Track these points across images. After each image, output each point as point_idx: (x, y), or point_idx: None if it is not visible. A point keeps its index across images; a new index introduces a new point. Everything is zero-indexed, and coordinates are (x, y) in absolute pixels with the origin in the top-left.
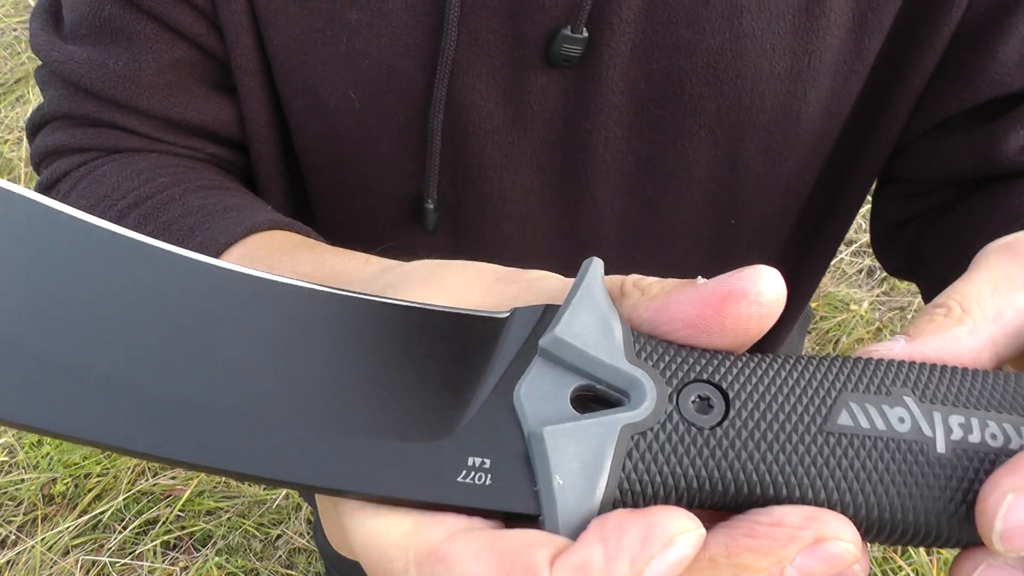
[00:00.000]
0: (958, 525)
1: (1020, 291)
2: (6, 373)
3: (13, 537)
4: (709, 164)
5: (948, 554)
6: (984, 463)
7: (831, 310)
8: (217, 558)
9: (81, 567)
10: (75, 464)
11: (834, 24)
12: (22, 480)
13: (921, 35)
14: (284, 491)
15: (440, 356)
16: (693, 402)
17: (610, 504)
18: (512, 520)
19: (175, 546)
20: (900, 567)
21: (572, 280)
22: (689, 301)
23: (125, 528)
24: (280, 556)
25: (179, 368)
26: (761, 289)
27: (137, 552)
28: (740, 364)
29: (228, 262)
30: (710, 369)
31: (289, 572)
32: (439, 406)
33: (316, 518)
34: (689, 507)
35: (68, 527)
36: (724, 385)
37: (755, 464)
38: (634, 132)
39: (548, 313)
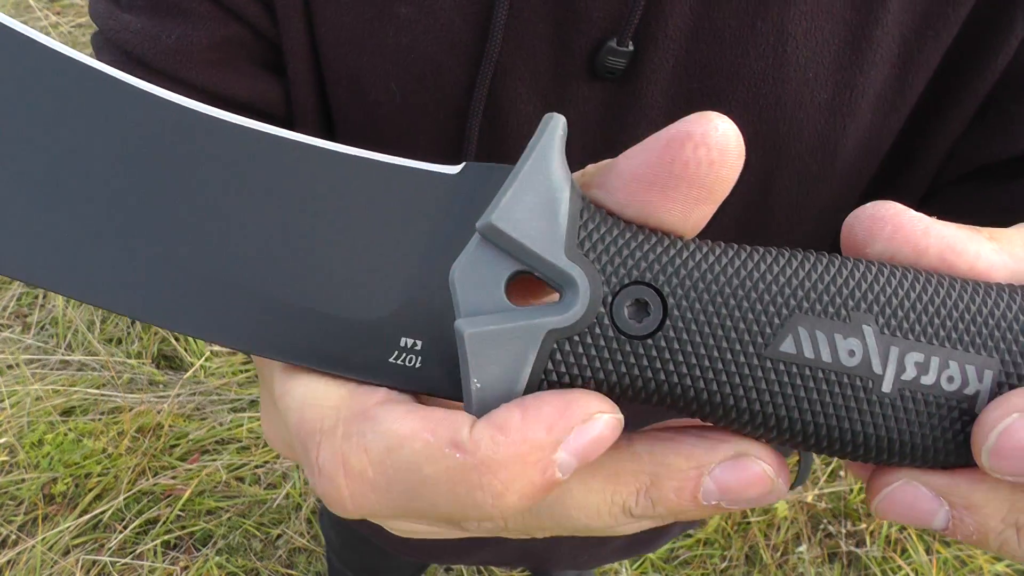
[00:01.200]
0: (888, 455)
1: None
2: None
3: (14, 537)
4: (742, 188)
5: (948, 553)
6: (931, 407)
7: None
8: (217, 558)
9: (81, 567)
10: (75, 464)
11: (879, 60)
12: (23, 480)
13: (966, 79)
14: (284, 491)
15: (384, 217)
16: (629, 307)
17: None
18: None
19: (175, 546)
20: (899, 567)
21: None
22: (637, 156)
23: (125, 528)
24: (280, 556)
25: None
26: (707, 130)
27: (137, 552)
28: (689, 267)
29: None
30: (654, 269)
31: (289, 572)
32: (379, 276)
33: (322, 507)
34: (611, 395)
35: (68, 527)
36: (665, 290)
37: (683, 381)
38: None
39: (498, 176)
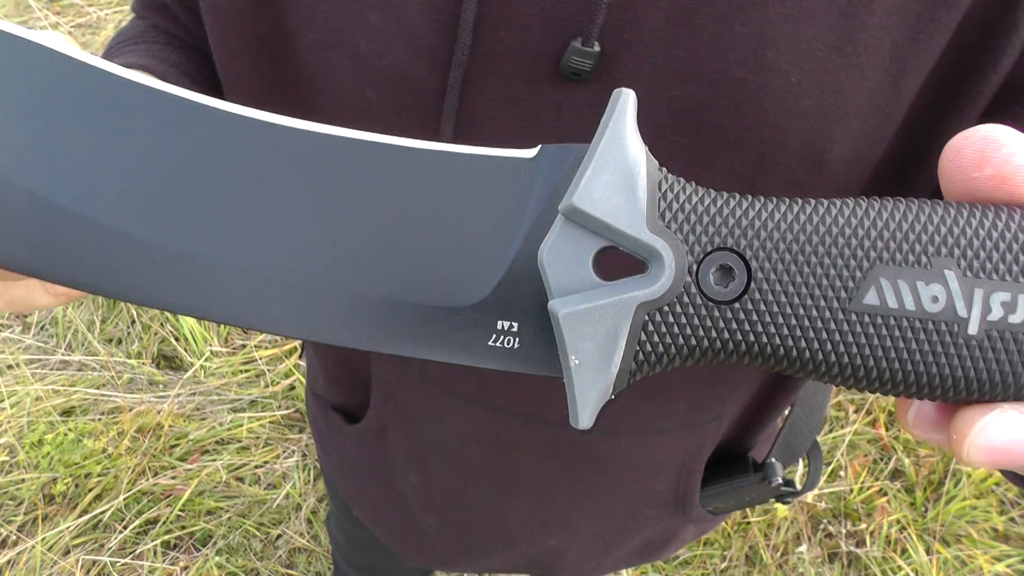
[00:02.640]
0: (978, 394)
1: None
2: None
3: (14, 537)
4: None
5: (948, 554)
6: (1020, 344)
7: None
8: (217, 558)
9: (81, 567)
10: (75, 464)
11: (868, 65)
12: (22, 480)
13: (968, 83)
14: (284, 491)
15: (467, 207)
16: (714, 273)
17: (625, 376)
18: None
19: (175, 546)
20: (899, 567)
21: None
22: None
23: (125, 528)
24: (280, 556)
25: (204, 225)
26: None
27: (137, 552)
28: (768, 228)
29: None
30: (735, 234)
31: (289, 572)
32: (469, 264)
33: (331, 510)
34: (705, 360)
35: (68, 527)
36: (748, 255)
37: (772, 340)
38: (651, 155)
39: (575, 155)
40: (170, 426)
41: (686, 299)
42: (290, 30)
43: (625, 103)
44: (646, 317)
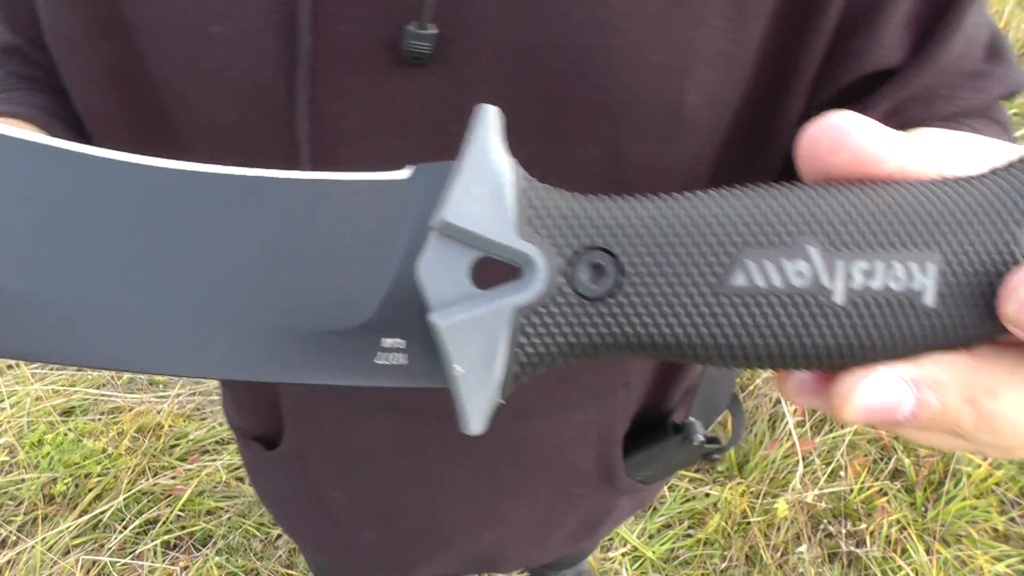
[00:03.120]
0: (849, 359)
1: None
2: None
3: (13, 537)
4: (591, 160)
5: (948, 554)
6: (882, 307)
7: None
8: (217, 558)
9: (81, 567)
10: (75, 464)
11: (707, 14)
12: (22, 480)
13: (808, 21)
14: None
15: (344, 232)
16: (585, 272)
17: (511, 379)
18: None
19: (175, 546)
20: (899, 567)
21: None
22: None
23: (125, 528)
24: (280, 556)
25: (68, 270)
26: None
27: (137, 552)
28: (635, 224)
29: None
30: (603, 232)
31: (289, 572)
32: (350, 288)
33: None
34: (587, 357)
35: (68, 527)
36: (617, 251)
37: (648, 330)
38: (508, 132)
39: (446, 172)
40: (170, 426)
41: (560, 299)
42: (138, 54)
43: (486, 117)
44: (524, 320)
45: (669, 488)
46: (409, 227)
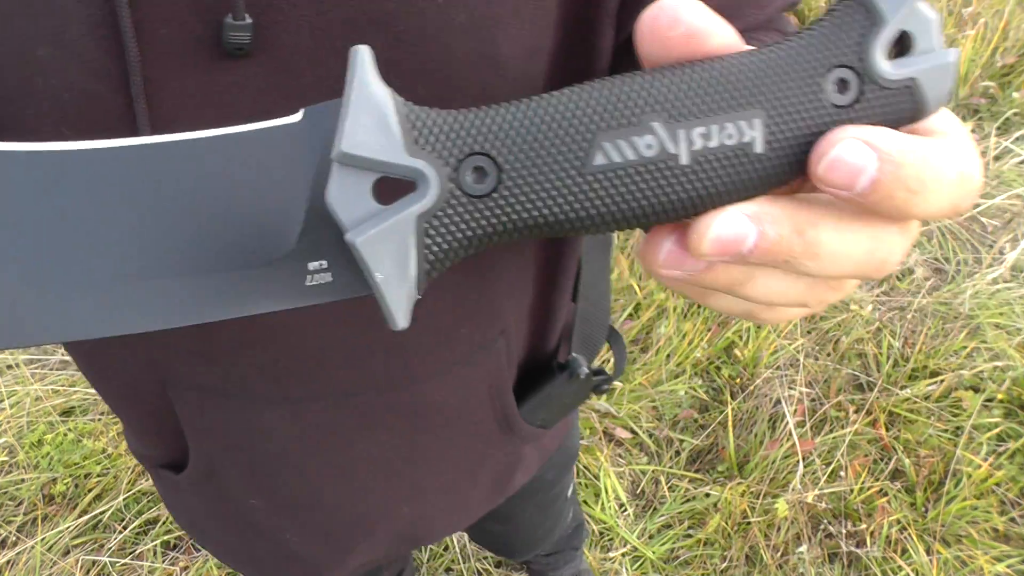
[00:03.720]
0: (700, 207)
1: None
2: None
3: (13, 537)
4: None
5: (948, 554)
6: (721, 160)
7: (831, 310)
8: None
9: (81, 567)
10: (75, 464)
11: None
12: (22, 480)
13: None
14: None
15: (253, 176)
16: (470, 175)
17: (424, 276)
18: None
19: (175, 546)
20: (900, 567)
21: None
22: None
23: (125, 528)
24: None
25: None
26: None
27: (137, 552)
28: (506, 128)
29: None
30: (480, 139)
31: None
32: (271, 226)
33: None
34: (485, 247)
35: (68, 527)
36: (494, 153)
37: (531, 215)
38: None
39: (335, 110)
40: None
41: (453, 201)
42: None
43: (361, 57)
44: (426, 225)
45: (669, 488)
46: (311, 163)
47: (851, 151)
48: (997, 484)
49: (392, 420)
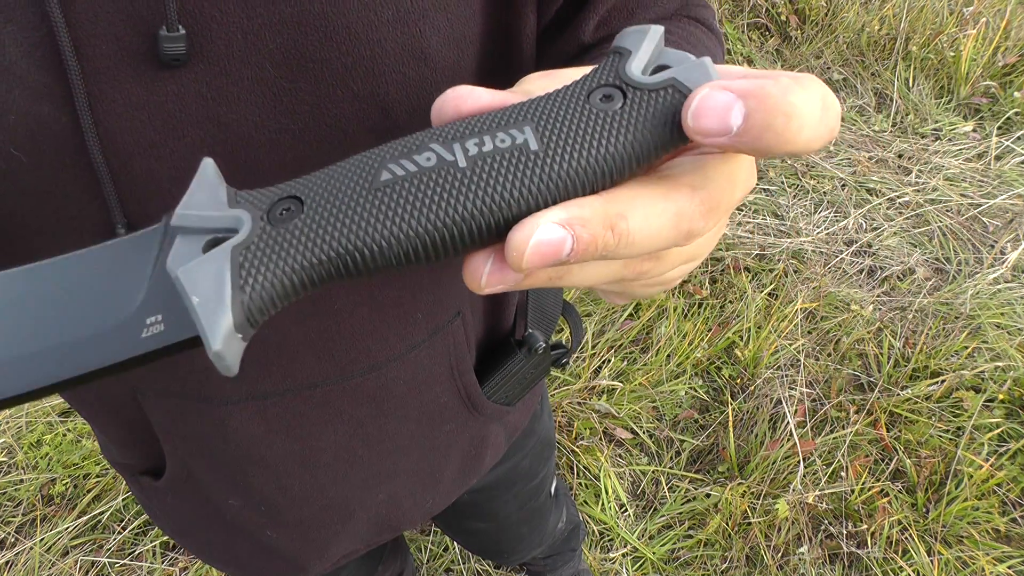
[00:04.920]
0: (487, 218)
1: (534, 84)
2: None
3: (12, 538)
4: (359, 117)
5: (950, 555)
6: (500, 161)
7: (832, 310)
8: None
9: (80, 568)
10: (74, 464)
11: None
12: (21, 480)
13: None
14: None
15: (118, 274)
16: (280, 214)
17: (239, 303)
18: (189, 346)
19: (174, 546)
20: (901, 568)
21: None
22: None
23: (124, 528)
24: None
25: None
26: None
27: (136, 552)
28: (314, 177)
29: None
30: (288, 189)
31: None
32: (120, 305)
33: None
34: (300, 285)
35: (67, 527)
36: (300, 195)
37: (330, 235)
38: (279, 110)
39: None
40: None
41: (264, 235)
42: None
43: (205, 163)
44: (240, 257)
45: (670, 489)
46: (164, 251)
47: (712, 95)
48: (998, 485)
49: (354, 408)
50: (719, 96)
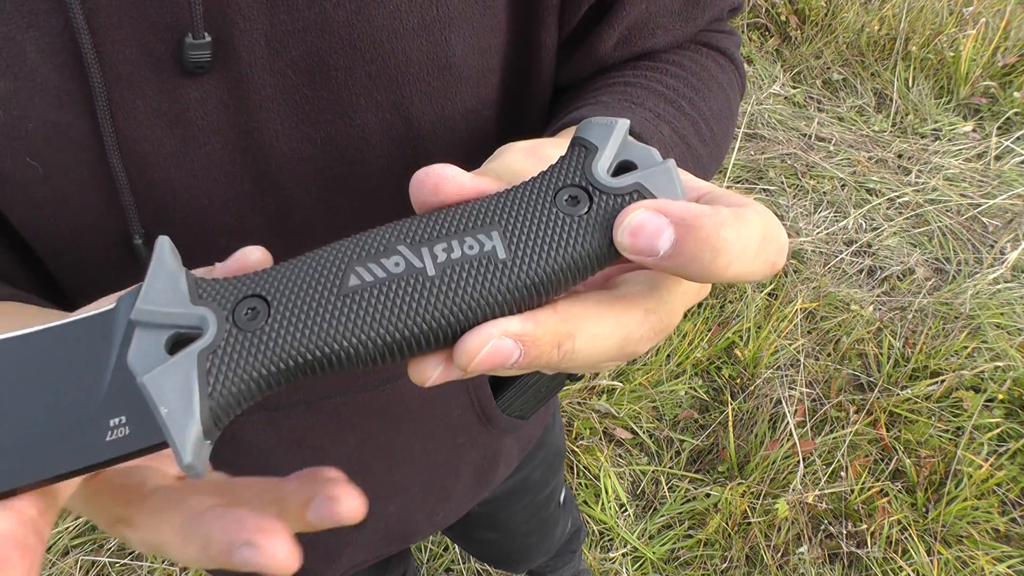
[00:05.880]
0: (451, 325)
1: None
2: None
3: None
4: (382, 127)
5: (949, 554)
6: (468, 269)
7: (831, 310)
8: None
9: (80, 567)
10: None
11: None
12: None
13: None
14: None
15: (72, 361)
16: (245, 314)
17: (209, 416)
18: (155, 450)
19: None
20: (900, 568)
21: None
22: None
23: None
24: None
25: None
26: None
27: (136, 552)
28: (279, 273)
29: None
30: (253, 286)
31: None
32: (79, 399)
33: None
34: (267, 387)
35: (67, 527)
36: (265, 294)
37: (298, 341)
38: (301, 119)
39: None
40: None
41: (231, 338)
42: None
43: (162, 243)
44: (207, 362)
45: (670, 489)
46: (120, 339)
47: (646, 219)
48: (998, 484)
49: (366, 420)
50: (652, 220)
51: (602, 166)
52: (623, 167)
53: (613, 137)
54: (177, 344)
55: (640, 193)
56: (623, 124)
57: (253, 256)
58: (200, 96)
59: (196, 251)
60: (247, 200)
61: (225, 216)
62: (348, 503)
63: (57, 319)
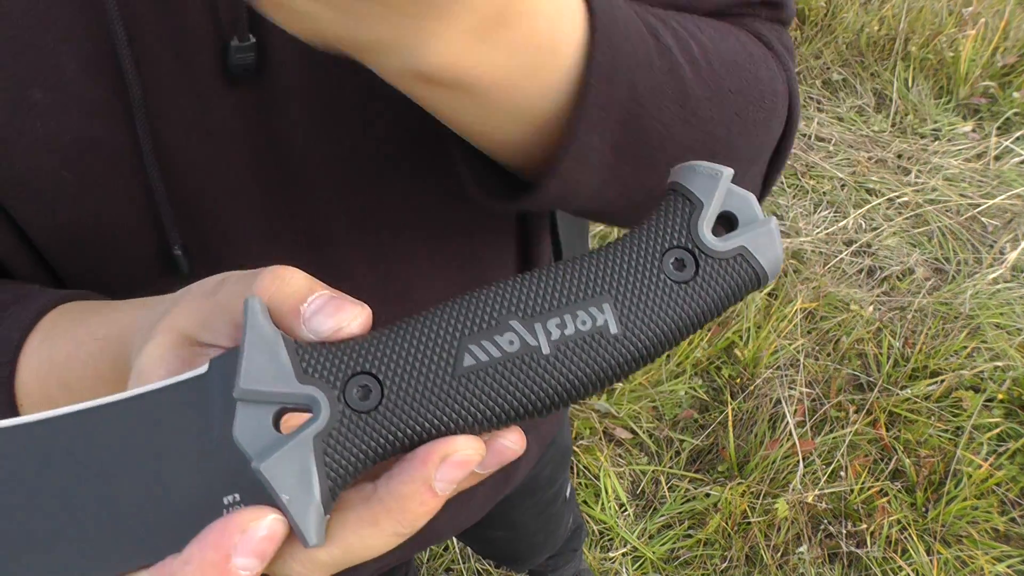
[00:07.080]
0: (568, 398)
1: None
2: None
3: None
4: (413, 134)
5: (949, 554)
6: (581, 346)
7: (831, 310)
8: None
9: None
10: None
11: None
12: None
13: None
14: None
15: (167, 435)
16: (356, 392)
17: (328, 493)
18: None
19: None
20: (900, 567)
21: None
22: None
23: None
24: None
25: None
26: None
27: None
28: (387, 347)
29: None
30: (363, 362)
31: None
32: (185, 475)
33: None
34: (380, 459)
35: None
36: (376, 372)
37: (415, 421)
38: (329, 123)
39: (234, 357)
40: None
41: (345, 420)
42: None
43: (254, 306)
44: (323, 444)
45: (669, 488)
46: (219, 406)
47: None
48: (997, 484)
49: None
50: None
51: (707, 224)
52: (723, 217)
53: (718, 192)
54: (283, 412)
55: (745, 259)
56: (727, 175)
57: (356, 324)
58: (237, 103)
59: (229, 258)
60: (284, 208)
61: (259, 222)
62: (511, 436)
63: (126, 310)
